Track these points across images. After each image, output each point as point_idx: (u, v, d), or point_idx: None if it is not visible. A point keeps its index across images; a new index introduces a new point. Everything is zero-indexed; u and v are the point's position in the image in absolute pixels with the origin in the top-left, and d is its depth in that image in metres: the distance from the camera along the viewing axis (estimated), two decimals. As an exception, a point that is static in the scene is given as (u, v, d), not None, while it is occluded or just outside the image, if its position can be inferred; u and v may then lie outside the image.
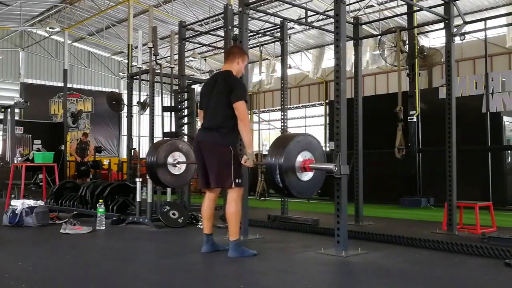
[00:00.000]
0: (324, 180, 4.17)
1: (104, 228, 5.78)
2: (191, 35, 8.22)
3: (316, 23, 12.95)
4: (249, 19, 5.32)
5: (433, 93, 10.07)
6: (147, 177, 6.06)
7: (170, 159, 5.04)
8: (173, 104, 7.35)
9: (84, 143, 12.71)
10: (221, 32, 8.33)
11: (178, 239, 5.33)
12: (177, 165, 5.03)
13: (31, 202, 6.14)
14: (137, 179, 6.18)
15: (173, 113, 7.22)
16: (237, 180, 4.05)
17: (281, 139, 4.03)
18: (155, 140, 7.18)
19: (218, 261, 4.02)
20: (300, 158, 3.81)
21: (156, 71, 7.38)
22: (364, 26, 7.98)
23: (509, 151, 9.44)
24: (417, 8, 9.72)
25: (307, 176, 3.89)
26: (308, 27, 15.59)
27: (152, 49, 6.98)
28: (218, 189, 4.34)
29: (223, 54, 4.37)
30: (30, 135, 15.31)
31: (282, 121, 6.85)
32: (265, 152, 15.11)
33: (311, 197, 3.83)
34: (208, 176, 4.16)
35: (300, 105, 21.95)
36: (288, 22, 7.34)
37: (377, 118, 8.76)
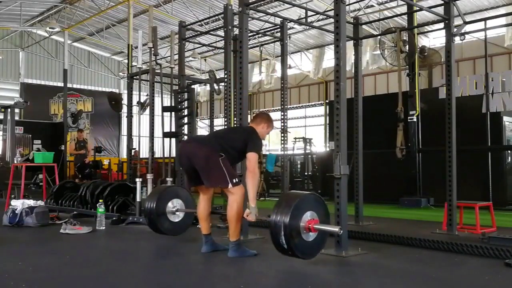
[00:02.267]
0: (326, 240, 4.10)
1: (104, 228, 5.78)
2: (191, 35, 8.21)
3: (316, 23, 12.95)
4: (249, 19, 5.32)
5: (433, 93, 10.07)
6: (147, 176, 6.07)
7: (169, 206, 4.97)
8: (173, 104, 7.35)
9: (81, 141, 12.35)
10: (221, 32, 8.33)
11: (178, 239, 5.33)
12: (176, 213, 4.97)
13: (31, 202, 6.14)
14: (137, 179, 6.18)
15: (173, 113, 7.22)
16: (234, 179, 4.04)
17: (285, 198, 3.93)
18: (155, 140, 7.18)
19: (218, 261, 4.02)
20: (305, 218, 3.70)
21: (156, 71, 7.37)
22: (364, 26, 7.97)
23: (509, 151, 9.44)
24: (417, 8, 9.72)
25: (311, 236, 3.77)
26: (308, 27, 15.59)
27: (152, 49, 6.98)
28: (212, 189, 4.34)
29: (253, 117, 4.53)
30: (30, 135, 15.30)
31: (282, 121, 6.85)
32: (265, 152, 15.12)
33: (313, 257, 3.75)
34: (197, 176, 4.14)
35: (300, 105, 21.95)
36: (288, 22, 7.33)
37: (377, 118, 8.76)
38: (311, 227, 3.69)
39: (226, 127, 4.64)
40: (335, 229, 3.81)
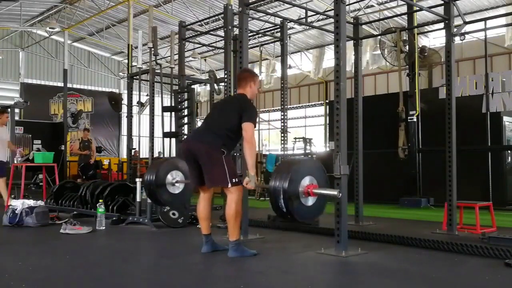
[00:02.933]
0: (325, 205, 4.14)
1: (104, 228, 5.78)
2: (191, 35, 8.22)
3: (316, 23, 12.95)
4: (249, 19, 5.32)
5: (433, 93, 10.06)
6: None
7: (169, 178, 4.99)
8: (173, 104, 7.35)
9: (86, 141, 12.11)
10: (221, 32, 8.33)
11: (178, 239, 5.33)
12: (176, 184, 4.99)
13: (31, 202, 6.14)
14: (137, 179, 6.18)
15: (173, 113, 7.22)
16: (233, 179, 4.03)
17: (285, 164, 4.00)
18: (155, 140, 7.19)
19: (218, 261, 4.02)
20: (304, 183, 3.77)
21: (156, 71, 7.38)
22: (364, 26, 7.98)
23: (509, 151, 9.43)
24: (417, 8, 9.72)
25: (310, 201, 3.85)
26: (308, 27, 15.59)
27: (152, 49, 6.99)
28: (212, 189, 4.34)
29: (237, 81, 4.43)
30: (30, 135, 15.31)
31: (282, 121, 6.85)
32: (265, 152, 15.12)
33: (312, 221, 3.83)
34: (200, 174, 4.14)
35: (300, 105, 21.95)
36: (288, 22, 7.34)
37: (377, 118, 8.76)
38: (310, 191, 3.74)
39: (216, 107, 4.46)
40: (334, 192, 3.86)
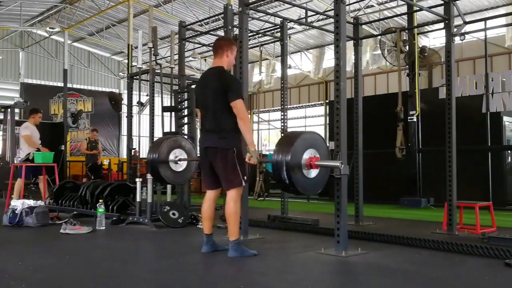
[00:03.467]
0: (328, 178, 4.19)
1: (104, 228, 5.78)
2: (191, 35, 8.22)
3: (316, 23, 12.95)
4: (249, 19, 5.32)
5: (433, 93, 10.07)
6: (148, 176, 6.08)
7: (171, 156, 5.02)
8: (173, 104, 7.35)
9: (94, 141, 11.95)
10: (221, 32, 8.34)
11: (178, 239, 5.33)
12: (179, 162, 5.01)
13: (31, 202, 6.14)
14: (137, 179, 6.18)
15: (173, 113, 7.22)
16: (245, 178, 4.10)
17: (287, 137, 4.05)
18: (155, 140, 7.19)
19: (218, 261, 4.02)
20: (306, 156, 3.84)
21: (156, 71, 7.38)
22: (364, 26, 7.97)
23: (509, 151, 9.44)
24: (417, 8, 9.72)
25: (312, 173, 3.92)
26: (308, 27, 15.59)
27: (152, 49, 6.99)
28: (219, 189, 4.35)
29: (213, 49, 4.28)
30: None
31: (282, 121, 6.85)
32: (265, 152, 15.13)
33: (315, 194, 3.89)
34: (213, 177, 4.18)
35: (300, 105, 21.95)
36: (288, 22, 7.34)
37: (377, 118, 8.76)
38: (312, 163, 3.79)
39: (203, 93, 4.29)
40: (336, 163, 3.89)
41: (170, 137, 5.48)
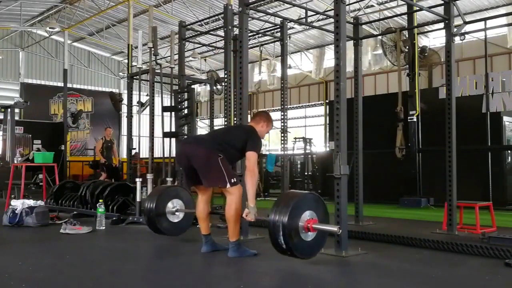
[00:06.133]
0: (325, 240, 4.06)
1: (104, 228, 5.78)
2: (191, 35, 8.22)
3: (316, 23, 12.95)
4: (249, 19, 5.32)
5: (433, 93, 10.07)
6: (147, 176, 6.08)
7: (169, 206, 4.94)
8: (173, 104, 7.35)
9: (109, 141, 11.40)
10: (221, 32, 8.33)
11: (178, 239, 5.33)
12: (176, 213, 4.95)
13: (31, 202, 6.14)
14: (137, 179, 6.18)
15: (173, 113, 7.22)
16: (232, 179, 4.04)
17: (284, 198, 3.91)
18: (155, 140, 7.18)
19: (218, 261, 4.02)
20: (303, 218, 3.68)
21: (156, 71, 7.38)
22: (364, 26, 7.97)
23: (509, 151, 9.44)
24: (417, 8, 9.72)
25: (310, 236, 3.75)
26: (308, 27, 15.58)
27: (152, 49, 6.98)
28: (210, 189, 4.34)
29: (252, 115, 4.54)
30: (30, 135, 15.27)
31: (282, 121, 6.85)
32: (265, 152, 15.12)
33: (313, 256, 3.73)
34: (195, 175, 4.14)
35: (300, 105, 21.93)
36: (288, 22, 7.34)
37: (377, 118, 8.76)
38: (310, 226, 3.67)
39: (225, 126, 4.65)
40: (334, 228, 3.79)
41: (167, 187, 5.39)
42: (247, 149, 4.09)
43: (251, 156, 4.06)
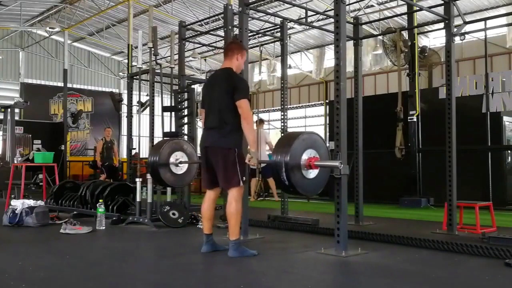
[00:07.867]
0: (328, 178, 4.18)
1: (104, 228, 5.78)
2: (191, 35, 8.22)
3: (316, 23, 12.95)
4: (249, 19, 5.32)
5: (433, 93, 10.07)
6: (147, 176, 6.08)
7: (172, 159, 5.01)
8: (173, 104, 7.35)
9: (109, 141, 11.45)
10: (221, 32, 8.34)
11: (178, 239, 5.33)
12: (179, 165, 5.00)
13: (31, 202, 6.14)
14: (137, 179, 6.18)
15: (173, 113, 7.22)
16: (243, 178, 4.10)
17: (286, 138, 4.04)
18: (155, 140, 7.19)
19: (218, 261, 4.02)
20: (305, 156, 3.83)
21: (156, 71, 7.38)
22: (364, 26, 7.97)
23: (509, 151, 9.43)
24: (417, 8, 9.72)
25: (312, 173, 3.90)
26: (308, 27, 15.58)
27: (152, 49, 6.98)
28: (219, 189, 4.35)
29: (223, 52, 4.36)
30: (30, 135, 15.29)
31: (282, 121, 6.85)
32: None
33: (316, 194, 3.88)
34: (212, 176, 4.20)
35: (300, 105, 21.93)
36: (288, 22, 7.34)
37: (377, 118, 8.76)
38: (312, 164, 3.77)
39: (208, 91, 4.41)
40: (335, 163, 3.88)
41: (171, 140, 5.46)
42: (236, 98, 4.01)
43: (242, 104, 4.01)
